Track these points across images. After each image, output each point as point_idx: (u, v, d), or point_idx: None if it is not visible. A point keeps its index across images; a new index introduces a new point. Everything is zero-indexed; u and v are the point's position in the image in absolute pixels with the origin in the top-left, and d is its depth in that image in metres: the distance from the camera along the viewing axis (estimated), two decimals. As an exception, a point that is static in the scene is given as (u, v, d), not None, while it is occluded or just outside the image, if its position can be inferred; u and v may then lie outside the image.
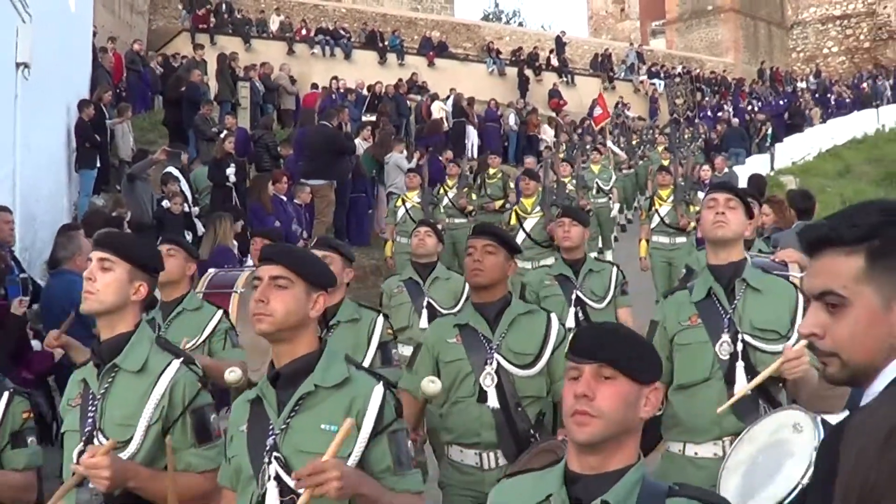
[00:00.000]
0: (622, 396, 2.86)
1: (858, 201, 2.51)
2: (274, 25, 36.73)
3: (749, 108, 40.09)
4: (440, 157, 20.31)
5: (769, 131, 35.37)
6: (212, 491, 4.03)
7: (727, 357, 4.94)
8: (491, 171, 19.20)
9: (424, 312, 8.63)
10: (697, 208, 11.44)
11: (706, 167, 19.37)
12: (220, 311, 6.78)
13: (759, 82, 48.14)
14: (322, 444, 3.44)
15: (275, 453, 3.57)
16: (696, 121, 38.04)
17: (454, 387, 5.30)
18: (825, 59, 55.98)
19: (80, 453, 3.95)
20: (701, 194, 11.97)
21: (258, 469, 3.61)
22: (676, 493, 2.86)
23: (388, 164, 19.88)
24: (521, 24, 69.99)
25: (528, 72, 39.59)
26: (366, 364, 5.86)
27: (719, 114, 38.66)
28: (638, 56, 46.58)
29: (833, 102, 43.26)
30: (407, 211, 15.17)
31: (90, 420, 4.10)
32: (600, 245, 18.59)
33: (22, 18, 12.51)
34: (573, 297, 8.36)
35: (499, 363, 5.19)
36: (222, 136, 17.67)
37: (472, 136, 29.13)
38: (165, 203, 14.92)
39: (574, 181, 17.63)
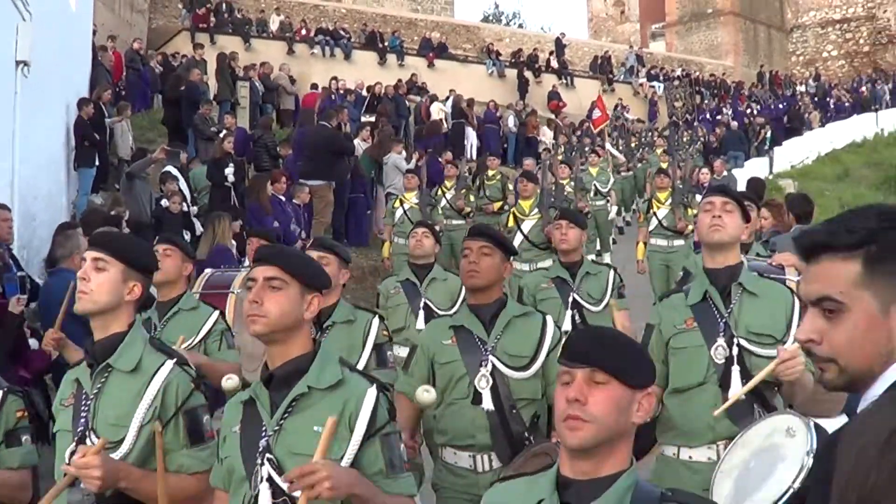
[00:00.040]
0: (614, 401, 2.85)
1: (857, 205, 2.50)
2: (274, 25, 36.73)
3: (748, 111, 40.11)
4: (439, 159, 20.32)
5: (768, 135, 35.37)
6: (204, 492, 4.03)
7: (722, 361, 4.92)
8: (490, 172, 19.22)
9: (421, 313, 8.63)
10: (695, 211, 11.45)
11: (705, 170, 19.40)
12: (217, 312, 6.77)
13: (758, 85, 48.21)
14: (315, 445, 3.43)
15: (268, 455, 3.57)
16: (695, 124, 38.04)
17: (449, 388, 5.29)
18: (825, 62, 56.01)
19: (73, 453, 3.94)
20: (699, 197, 12.00)
21: (251, 470, 3.60)
22: (669, 500, 2.84)
23: (387, 164, 19.88)
24: (520, 26, 69.94)
25: (528, 73, 39.59)
26: (361, 365, 5.88)
27: (718, 117, 38.65)
28: (637, 58, 46.57)
29: (832, 106, 43.26)
30: (405, 212, 15.17)
31: (83, 420, 4.10)
32: (598, 247, 18.59)
33: (22, 17, 12.52)
34: (570, 299, 8.32)
35: (494, 365, 5.17)
36: (221, 135, 17.69)
37: (472, 138, 29.10)
38: (164, 202, 14.92)
39: (572, 183, 17.64)
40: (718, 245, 5.09)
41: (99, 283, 4.11)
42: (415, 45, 40.06)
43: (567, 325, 8.13)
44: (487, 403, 5.15)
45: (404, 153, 20.54)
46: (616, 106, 38.51)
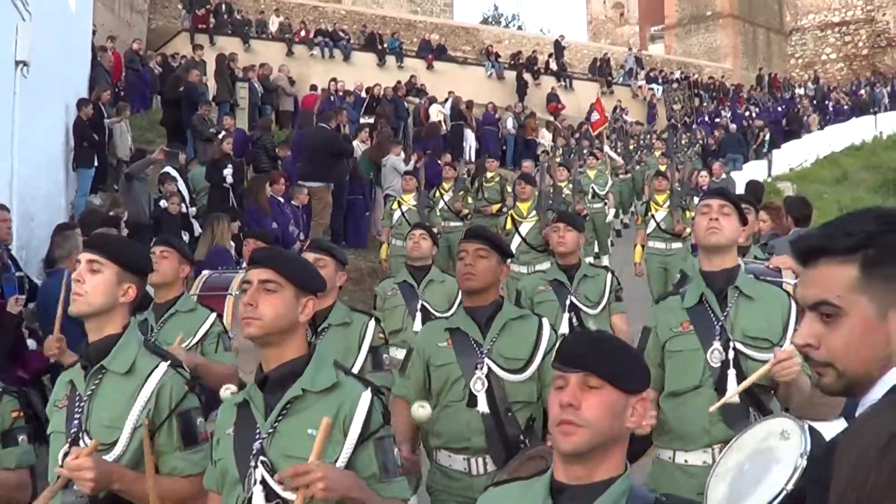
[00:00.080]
0: (608, 406, 2.83)
1: (855, 208, 2.50)
2: (273, 26, 36.73)
3: (747, 113, 40.13)
4: (438, 161, 20.31)
5: (767, 137, 35.40)
6: (197, 494, 4.02)
7: (718, 364, 4.91)
8: (488, 174, 19.20)
9: (418, 315, 8.59)
10: (694, 214, 11.46)
11: (704, 173, 19.39)
12: (214, 315, 6.76)
13: (757, 88, 48.25)
14: (309, 448, 3.44)
15: (261, 457, 3.57)
16: (694, 126, 38.04)
17: (444, 391, 5.27)
18: (823, 65, 56.04)
19: (66, 455, 3.94)
20: (697, 200, 12.00)
21: (244, 473, 3.60)
22: None
23: (386, 166, 19.88)
24: (520, 28, 69.99)
25: (527, 76, 39.62)
26: (356, 368, 5.88)
27: (717, 119, 38.67)
28: (636, 61, 46.59)
29: (831, 109, 43.28)
30: (403, 214, 15.16)
31: (76, 421, 4.09)
32: (596, 250, 18.59)
33: (22, 17, 12.52)
34: (567, 302, 8.30)
35: (489, 368, 5.15)
36: (220, 136, 17.67)
37: (470, 140, 29.10)
38: (163, 203, 14.92)
39: (570, 186, 17.64)
40: (715, 248, 5.08)
41: (94, 284, 4.11)
42: (414, 46, 40.06)
43: (564, 328, 8.11)
44: (483, 406, 5.13)
45: (403, 155, 20.53)
46: (615, 108, 38.55)
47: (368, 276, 16.82)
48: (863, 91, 45.65)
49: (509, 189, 17.84)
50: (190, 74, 23.03)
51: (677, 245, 13.91)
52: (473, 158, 26.91)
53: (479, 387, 5.14)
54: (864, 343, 2.21)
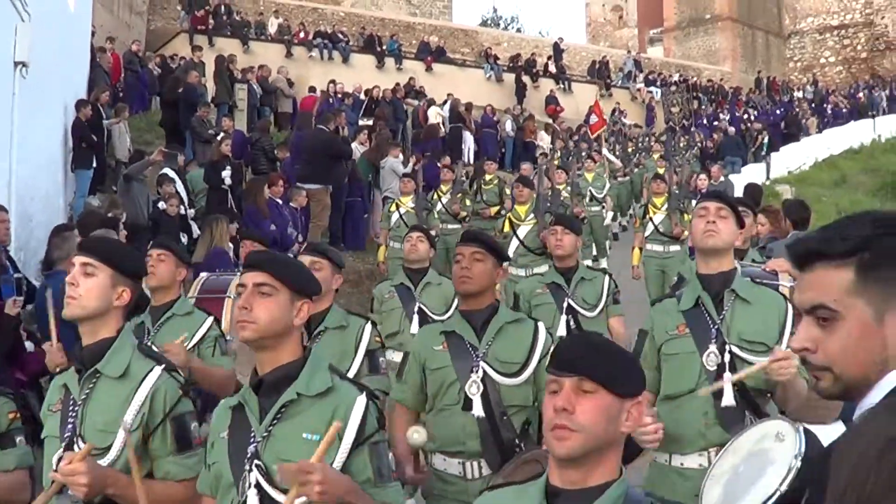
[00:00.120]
0: (603, 410, 2.82)
1: (854, 212, 2.49)
2: (272, 28, 36.74)
3: (745, 116, 40.14)
4: (438, 163, 20.29)
5: (765, 140, 35.41)
6: (191, 499, 4.02)
7: (714, 368, 4.90)
8: (487, 177, 19.17)
9: (415, 318, 8.59)
10: (691, 217, 11.45)
11: (703, 176, 19.42)
12: (211, 318, 6.74)
13: (755, 91, 48.26)
14: (304, 452, 3.42)
15: (256, 461, 3.56)
16: (693, 129, 38.07)
17: (439, 395, 5.26)
18: (822, 68, 56.08)
19: (60, 460, 3.93)
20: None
21: (239, 476, 3.60)
22: None
23: (384, 168, 19.87)
24: (519, 31, 70.05)
25: (526, 78, 39.59)
26: (353, 371, 5.88)
27: (715, 122, 38.67)
28: (635, 63, 46.62)
29: (830, 112, 43.29)
30: (401, 216, 15.14)
31: (70, 426, 4.09)
32: (594, 253, 18.59)
33: (21, 17, 12.52)
34: (564, 305, 8.29)
35: (485, 371, 5.14)
36: (219, 138, 17.64)
37: (469, 142, 29.09)
38: (161, 205, 14.91)
39: (569, 188, 17.65)
40: (712, 250, 5.07)
41: (87, 288, 4.11)
42: (413, 48, 40.07)
43: (562, 331, 8.09)
44: (478, 410, 5.12)
45: (401, 157, 20.52)
46: (613, 111, 38.57)
47: (367, 278, 16.82)
48: (861, 94, 45.67)
49: (508, 191, 17.84)
50: (189, 76, 23.00)
51: (675, 248, 13.91)
52: (472, 161, 26.90)
53: (474, 390, 5.13)
54: (861, 347, 2.21)
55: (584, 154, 24.64)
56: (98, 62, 22.85)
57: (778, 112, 41.86)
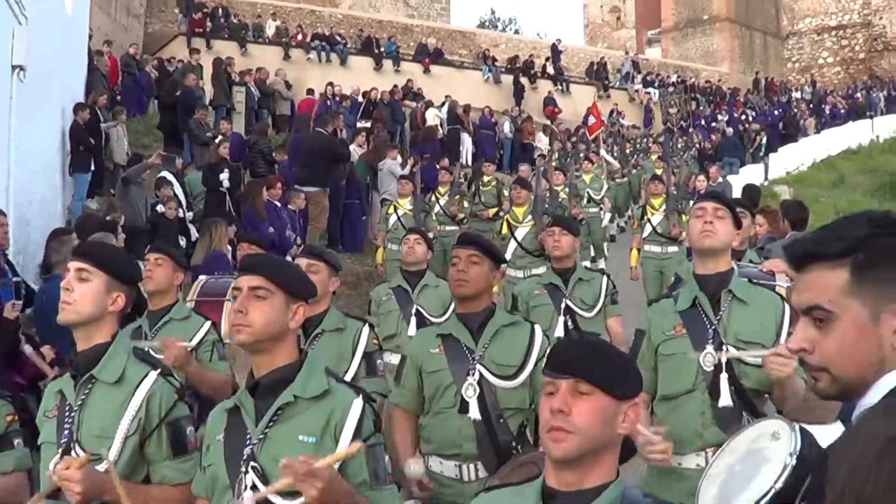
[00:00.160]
0: (599, 412, 2.82)
1: (852, 212, 2.50)
2: (270, 30, 36.77)
3: (743, 117, 40.14)
4: (437, 165, 20.28)
5: (763, 141, 35.45)
6: (187, 503, 4.02)
7: (711, 368, 4.88)
8: (485, 178, 19.12)
9: (413, 320, 8.56)
10: (689, 217, 11.42)
11: (701, 177, 19.41)
12: (209, 323, 6.72)
13: (754, 92, 48.27)
14: (300, 455, 3.39)
15: (252, 463, 3.56)
16: (691, 130, 38.08)
17: (436, 397, 5.26)
18: (820, 69, 56.10)
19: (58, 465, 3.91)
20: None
21: (235, 478, 3.59)
22: None
23: (382, 170, 19.87)
24: (516, 32, 70.23)
25: (524, 79, 39.61)
26: (350, 374, 5.86)
27: (714, 123, 38.69)
28: (633, 65, 46.65)
29: (828, 113, 43.31)
30: (399, 218, 15.12)
31: (67, 432, 4.08)
32: (592, 254, 18.59)
33: (18, 20, 12.51)
34: (562, 306, 8.29)
35: (481, 374, 5.14)
36: (217, 140, 17.64)
37: (467, 144, 29.08)
38: (160, 208, 14.90)
39: (567, 190, 17.64)
40: (709, 251, 5.06)
41: (82, 293, 4.10)
42: (411, 50, 40.09)
43: (559, 332, 8.10)
44: (474, 413, 5.11)
45: (400, 159, 20.52)
46: (611, 112, 38.57)
47: (365, 280, 16.80)
48: (859, 95, 45.68)
49: (506, 193, 17.83)
50: (186, 79, 22.96)
51: (673, 249, 13.90)
52: (470, 162, 26.90)
53: (470, 393, 5.13)
54: (857, 347, 2.21)
55: (582, 155, 24.63)
56: (95, 65, 22.82)
57: (776, 113, 41.87)
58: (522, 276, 11.86)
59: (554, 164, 22.51)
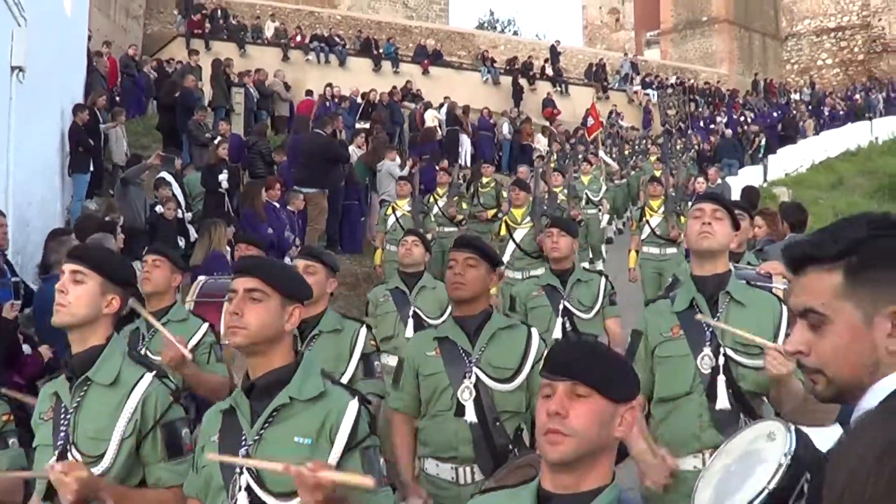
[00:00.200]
0: (596, 415, 2.81)
1: (851, 214, 2.50)
2: (269, 32, 36.77)
3: (742, 119, 40.12)
4: (436, 166, 20.26)
5: (762, 143, 35.43)
6: None
7: (708, 371, 4.88)
8: (484, 179, 19.11)
9: (410, 322, 8.53)
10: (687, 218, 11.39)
11: (700, 179, 19.42)
12: (206, 325, 6.70)
13: (752, 93, 48.24)
14: (295, 456, 3.40)
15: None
16: (689, 132, 38.07)
17: (432, 400, 5.25)
18: (819, 70, 56.11)
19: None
20: (692, 205, 11.92)
21: (229, 480, 3.59)
22: None
23: (381, 171, 19.85)
24: (515, 33, 70.25)
25: (523, 81, 39.60)
26: (348, 375, 5.86)
27: (712, 125, 38.68)
28: (632, 66, 46.63)
29: (826, 114, 43.29)
30: (397, 219, 15.10)
31: (63, 434, 4.08)
32: (590, 256, 18.58)
33: (17, 22, 12.52)
34: (560, 307, 8.28)
35: (478, 377, 5.13)
36: (216, 141, 17.65)
37: (466, 145, 29.07)
38: (159, 208, 14.90)
39: (565, 191, 17.64)
40: (707, 252, 5.04)
41: (77, 295, 4.11)
42: (409, 52, 40.08)
43: (558, 333, 8.11)
44: (470, 416, 5.11)
45: (398, 160, 20.51)
46: (610, 113, 38.57)
47: (364, 281, 16.79)
48: (858, 96, 45.68)
49: (505, 194, 17.82)
50: (186, 80, 22.98)
51: (672, 250, 13.88)
52: (469, 164, 26.89)
53: (466, 396, 5.12)
54: (850, 350, 2.22)
55: (580, 157, 24.62)
56: (95, 66, 22.82)
57: (775, 114, 41.86)
58: (521, 277, 11.87)
59: (552, 165, 22.49)
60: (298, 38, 36.41)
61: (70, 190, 17.16)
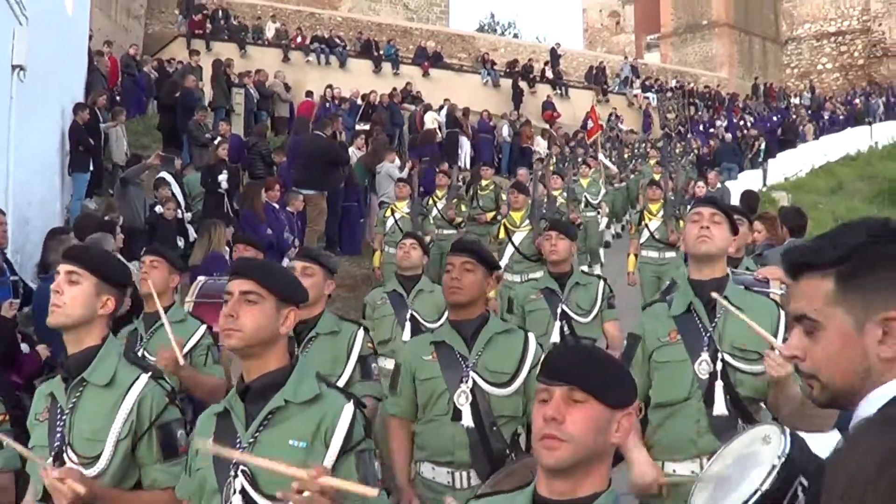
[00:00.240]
0: (593, 421, 2.79)
1: (850, 219, 2.50)
2: (269, 32, 36.77)
3: (742, 123, 40.09)
4: (435, 168, 20.24)
5: (762, 147, 35.38)
6: None
7: (706, 377, 4.86)
8: (483, 182, 19.10)
9: (408, 325, 8.49)
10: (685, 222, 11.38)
11: (700, 183, 19.39)
12: (204, 327, 6.71)
13: (752, 97, 48.23)
14: (290, 459, 3.40)
15: (241, 467, 3.55)
16: (689, 135, 38.05)
17: (429, 405, 5.24)
18: (819, 75, 56.11)
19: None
20: (692, 209, 11.90)
21: (223, 482, 3.58)
22: None
23: (381, 173, 19.84)
24: (516, 36, 70.30)
25: (523, 83, 39.62)
26: (345, 377, 5.86)
27: (712, 129, 38.66)
28: (632, 69, 46.65)
29: (826, 119, 43.27)
30: (396, 221, 15.09)
31: (58, 435, 4.08)
32: (588, 260, 18.56)
33: (19, 21, 12.52)
34: (558, 311, 8.28)
35: (474, 381, 5.12)
36: (216, 142, 17.66)
37: (466, 147, 29.07)
38: (158, 208, 14.91)
39: (564, 194, 17.63)
40: (705, 256, 5.02)
41: (72, 296, 4.11)
42: (410, 53, 40.10)
43: (556, 337, 8.11)
44: (467, 420, 5.09)
45: (398, 162, 20.50)
46: (610, 116, 38.57)
47: (362, 282, 16.77)
48: (858, 101, 45.67)
49: (504, 197, 17.80)
50: (186, 80, 22.97)
51: (671, 254, 13.88)
52: (469, 166, 26.88)
53: (462, 400, 5.11)
54: (842, 356, 2.23)
55: (580, 160, 24.61)
56: (95, 66, 22.83)
57: (775, 118, 41.82)
58: (520, 280, 11.84)
59: (552, 168, 22.48)
60: (299, 40, 36.42)
61: (70, 189, 17.16)
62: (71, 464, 3.96)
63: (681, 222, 13.88)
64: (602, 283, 8.68)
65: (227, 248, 11.75)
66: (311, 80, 33.23)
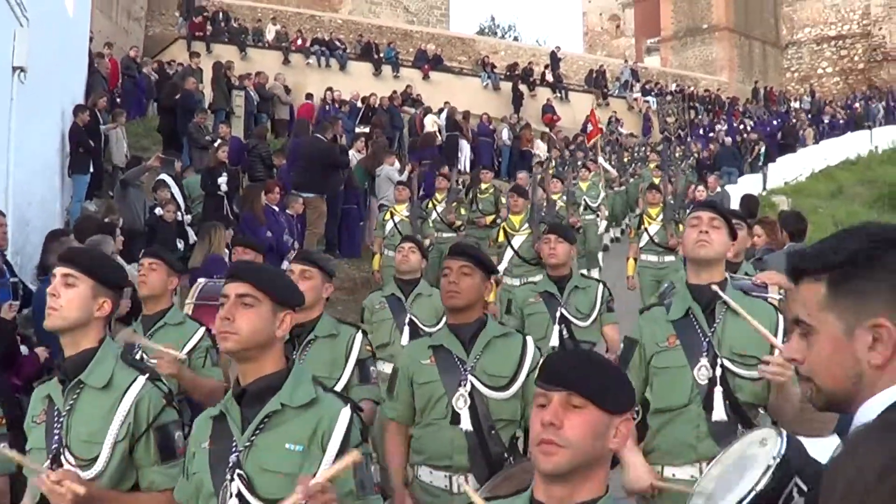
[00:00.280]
0: (591, 426, 2.77)
1: (850, 223, 2.52)
2: (270, 35, 36.78)
3: (742, 127, 40.09)
4: (435, 171, 20.23)
5: (762, 151, 35.40)
6: None
7: (705, 382, 4.86)
8: (483, 185, 19.10)
9: (406, 329, 8.48)
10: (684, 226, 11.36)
11: (700, 187, 19.39)
12: (203, 329, 6.68)
13: (752, 101, 48.23)
14: (286, 463, 3.43)
15: (238, 470, 3.55)
16: (689, 139, 38.06)
17: (427, 409, 5.22)
18: (819, 79, 56.15)
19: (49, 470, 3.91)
20: (691, 213, 11.87)
21: (219, 486, 3.58)
22: None
23: (380, 176, 19.84)
24: (516, 39, 70.20)
25: (523, 87, 39.61)
26: (343, 381, 5.85)
27: (712, 133, 38.66)
28: (632, 73, 46.65)
29: (826, 123, 43.29)
30: (395, 224, 15.08)
31: (56, 437, 4.08)
32: (587, 264, 18.54)
33: (19, 22, 12.52)
34: (557, 314, 8.27)
35: (473, 385, 5.10)
36: (216, 144, 17.67)
37: (466, 150, 29.05)
38: (158, 210, 14.91)
39: (564, 198, 17.62)
40: (704, 261, 5.01)
41: (69, 299, 4.11)
42: (410, 56, 40.13)
43: (555, 340, 8.11)
44: (466, 424, 5.07)
45: (398, 164, 20.49)
46: (610, 120, 38.56)
47: (362, 286, 16.78)
48: (858, 105, 45.68)
49: (503, 200, 17.79)
50: (186, 82, 23.00)
51: (670, 258, 13.87)
52: (468, 169, 26.88)
53: (461, 404, 5.09)
54: (833, 361, 2.24)
55: (579, 163, 24.60)
56: (96, 67, 22.85)
57: (775, 122, 41.85)
58: (519, 284, 11.82)
59: (551, 171, 22.47)
60: (299, 42, 36.42)
61: (70, 191, 17.18)
62: (68, 466, 3.96)
63: (680, 226, 13.87)
64: (601, 286, 8.68)
65: (227, 251, 11.75)
66: (312, 82, 33.24)
